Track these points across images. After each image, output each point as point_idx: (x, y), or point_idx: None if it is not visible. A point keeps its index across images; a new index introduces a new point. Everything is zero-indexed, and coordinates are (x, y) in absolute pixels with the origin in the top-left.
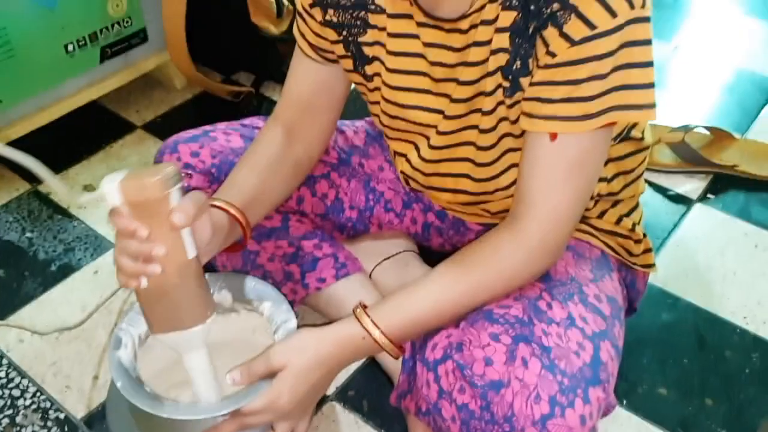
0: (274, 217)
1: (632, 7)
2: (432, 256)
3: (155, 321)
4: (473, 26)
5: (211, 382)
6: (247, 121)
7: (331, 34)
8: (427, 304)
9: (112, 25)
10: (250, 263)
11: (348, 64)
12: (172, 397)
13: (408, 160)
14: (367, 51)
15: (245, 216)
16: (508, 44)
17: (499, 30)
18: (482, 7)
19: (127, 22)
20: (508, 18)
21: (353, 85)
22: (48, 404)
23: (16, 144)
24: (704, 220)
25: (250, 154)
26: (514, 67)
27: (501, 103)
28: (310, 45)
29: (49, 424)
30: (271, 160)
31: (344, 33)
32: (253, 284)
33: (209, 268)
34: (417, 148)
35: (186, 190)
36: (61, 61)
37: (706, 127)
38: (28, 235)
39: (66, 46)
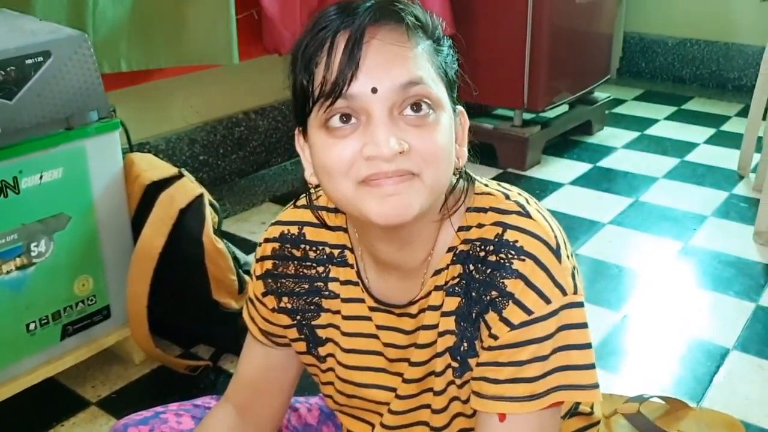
0: None
1: (564, 293)
2: None
3: None
4: (421, 311)
5: None
6: (199, 401)
7: (284, 320)
8: None
9: (77, 304)
10: None
11: (301, 346)
12: None
13: None
14: (321, 333)
15: None
16: (454, 326)
17: (445, 314)
18: (428, 293)
19: (91, 300)
20: (452, 303)
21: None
22: None
23: None
24: None
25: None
26: (462, 348)
27: (451, 382)
28: (261, 331)
29: None
30: None
31: (298, 317)
32: None
33: None
34: (372, 426)
35: None
36: (21, 339)
37: (661, 397)
38: None
39: (27, 326)
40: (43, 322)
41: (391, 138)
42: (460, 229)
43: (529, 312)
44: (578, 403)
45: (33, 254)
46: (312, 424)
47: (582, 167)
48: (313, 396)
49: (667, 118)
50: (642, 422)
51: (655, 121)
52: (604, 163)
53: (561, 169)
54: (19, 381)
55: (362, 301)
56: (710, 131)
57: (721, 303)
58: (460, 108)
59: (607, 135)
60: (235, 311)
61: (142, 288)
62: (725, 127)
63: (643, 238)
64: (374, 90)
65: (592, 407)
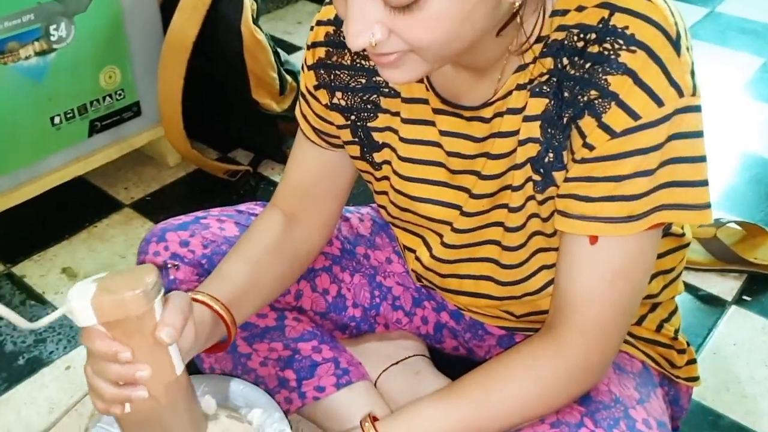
0: (268, 315)
1: (681, 94)
2: (444, 361)
3: None
4: (498, 114)
5: None
6: (243, 206)
7: (338, 118)
8: (450, 424)
9: (104, 98)
10: (241, 366)
11: (354, 150)
12: None
13: (419, 258)
14: (377, 137)
15: (231, 314)
16: (538, 134)
17: (528, 118)
18: (508, 94)
19: (119, 94)
20: (538, 106)
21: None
22: None
23: None
24: (741, 324)
25: (244, 242)
26: (546, 159)
27: (531, 198)
28: (314, 129)
29: None
30: (266, 249)
31: (352, 117)
32: (240, 388)
33: (192, 369)
34: (428, 246)
35: (168, 288)
36: (46, 134)
37: (739, 222)
38: None
39: (52, 119)
40: (68, 116)
41: (359, 34)
42: (554, 13)
43: (635, 116)
44: (671, 223)
45: (53, 38)
46: (364, 234)
47: None
48: (365, 206)
49: None
50: (718, 247)
51: None
52: None
53: None
54: (48, 178)
55: (426, 102)
56: None
57: None
58: None
59: None
60: (276, 114)
61: (175, 82)
62: None
63: (719, 52)
64: None
65: (683, 228)
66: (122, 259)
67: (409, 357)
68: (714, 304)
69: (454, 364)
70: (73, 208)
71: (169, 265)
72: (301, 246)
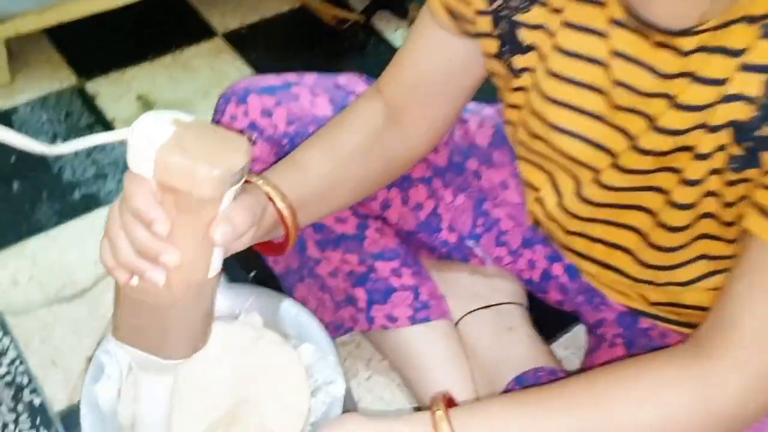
0: (348, 220)
1: None
2: (542, 312)
3: (124, 328)
4: (702, 49)
5: (160, 418)
6: (343, 79)
7: (477, 1)
8: None
9: None
10: (307, 270)
11: (490, 46)
12: None
13: (540, 201)
14: (524, 36)
15: (295, 218)
16: (758, 92)
17: (748, 68)
18: (725, 25)
19: None
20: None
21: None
22: (25, 380)
23: (67, 31)
24: None
25: (335, 130)
26: (758, 130)
27: (716, 172)
28: (445, 7)
29: (20, 408)
30: (359, 145)
31: (498, 3)
32: (294, 312)
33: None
34: (557, 191)
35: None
36: None
37: None
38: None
39: None
40: None
41: None
42: None
43: None
44: None
45: None
46: (480, 145)
47: None
48: (489, 105)
49: None
50: None
51: None
52: None
53: None
54: None
55: (602, 4)
56: None
57: None
58: None
59: None
60: None
61: None
62: None
63: None
64: None
65: None
66: (204, 96)
67: (504, 303)
68: None
69: (552, 317)
70: (159, 28)
71: (250, 137)
72: (399, 148)
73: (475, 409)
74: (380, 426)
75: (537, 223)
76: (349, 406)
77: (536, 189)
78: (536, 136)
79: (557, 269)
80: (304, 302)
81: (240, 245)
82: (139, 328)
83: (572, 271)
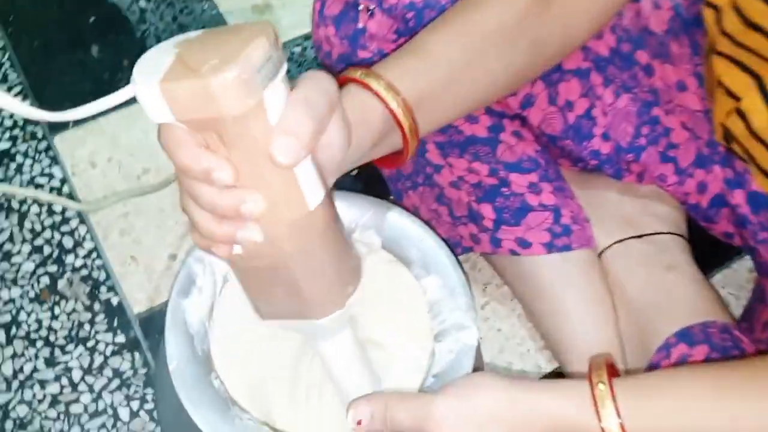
0: (479, 119)
1: None
2: (694, 241)
3: (263, 306)
4: None
5: (360, 373)
6: None
7: None
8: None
9: None
10: (423, 176)
11: None
12: (261, 405)
13: (742, 113)
14: None
15: (414, 120)
16: None
17: None
18: None
19: None
20: None
21: None
22: (103, 275)
23: None
24: None
25: (470, 8)
26: None
27: None
28: None
29: (96, 307)
30: (499, 29)
31: None
32: (420, 235)
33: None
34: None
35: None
36: None
37: None
38: (142, 4)
39: None
40: None
41: None
42: None
43: None
44: None
45: None
46: (655, 32)
47: None
48: None
49: None
50: None
51: None
52: None
53: None
54: None
55: None
56: None
57: None
58: None
59: None
60: None
61: None
62: None
63: None
64: None
65: None
66: None
67: (662, 233)
68: None
69: (706, 248)
70: None
71: (360, 6)
72: (552, 32)
73: (648, 388)
74: (528, 397)
75: (728, 140)
76: (478, 362)
77: (736, 97)
78: (754, 26)
79: (737, 197)
80: (415, 212)
81: (348, 164)
82: (274, 297)
83: (759, 203)
